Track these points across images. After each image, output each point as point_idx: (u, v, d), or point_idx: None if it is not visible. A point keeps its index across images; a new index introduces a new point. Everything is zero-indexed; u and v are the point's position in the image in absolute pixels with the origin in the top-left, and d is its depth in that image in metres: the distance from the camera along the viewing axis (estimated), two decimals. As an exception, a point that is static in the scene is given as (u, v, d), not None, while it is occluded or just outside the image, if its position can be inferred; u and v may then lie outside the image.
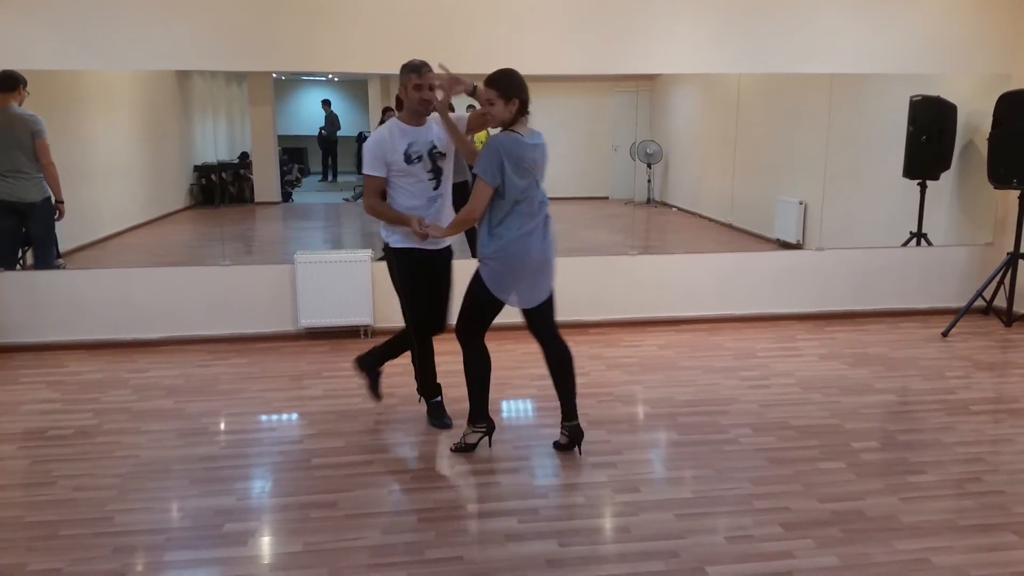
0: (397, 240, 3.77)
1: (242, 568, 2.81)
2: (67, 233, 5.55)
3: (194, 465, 3.62)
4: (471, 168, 3.52)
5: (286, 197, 7.56)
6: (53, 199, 5.31)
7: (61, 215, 5.37)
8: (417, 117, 3.72)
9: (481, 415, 3.71)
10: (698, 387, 4.63)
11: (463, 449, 3.74)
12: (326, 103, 8.07)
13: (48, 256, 5.47)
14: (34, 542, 2.97)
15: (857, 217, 6.45)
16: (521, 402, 4.39)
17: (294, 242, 7.01)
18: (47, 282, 5.38)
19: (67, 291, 5.38)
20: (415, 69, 3.66)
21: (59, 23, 5.08)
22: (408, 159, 3.65)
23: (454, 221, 3.64)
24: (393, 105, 5.83)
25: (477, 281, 3.52)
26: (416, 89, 3.64)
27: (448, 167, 3.80)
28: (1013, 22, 5.96)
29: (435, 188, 3.75)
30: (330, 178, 8.35)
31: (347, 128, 8.05)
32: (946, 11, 5.88)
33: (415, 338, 3.94)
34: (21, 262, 5.49)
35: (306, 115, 8.12)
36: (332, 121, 8.18)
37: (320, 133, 8.16)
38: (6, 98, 5.14)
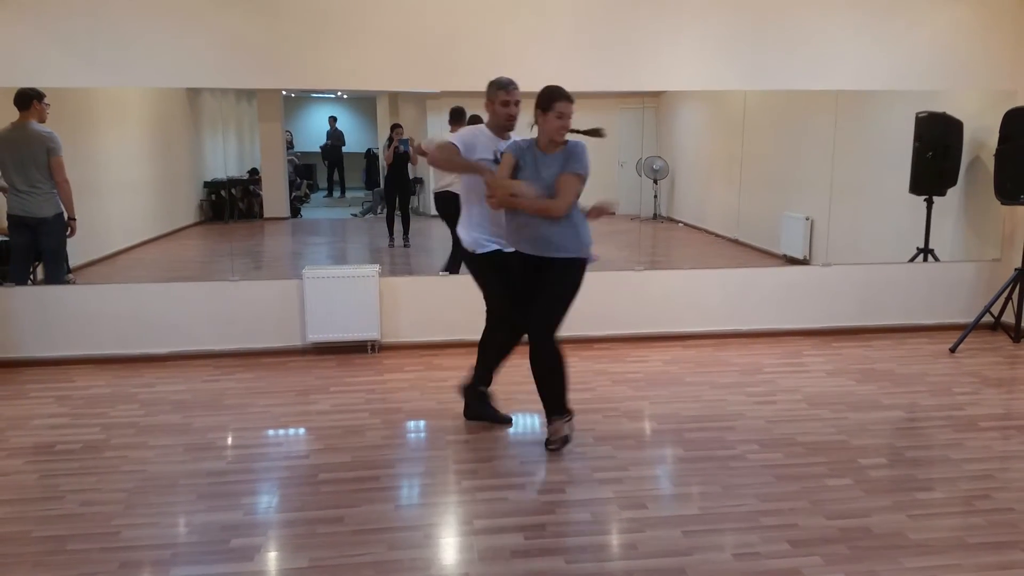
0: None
1: (248, 583, 2.82)
2: (77, 248, 5.59)
3: (201, 480, 3.63)
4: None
5: (295, 213, 7.60)
6: (65, 215, 5.36)
7: (73, 232, 5.41)
8: (501, 131, 3.92)
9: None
10: (704, 403, 4.63)
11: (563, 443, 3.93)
12: (332, 119, 8.11)
13: (58, 271, 5.51)
14: (42, 557, 2.98)
15: (864, 233, 6.45)
16: (528, 417, 4.39)
17: (302, 257, 7.05)
18: (57, 297, 5.41)
19: (76, 306, 5.42)
20: (503, 86, 3.87)
21: (70, 41, 5.14)
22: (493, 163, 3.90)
23: (545, 204, 3.67)
24: (455, 118, 6.20)
25: (579, 278, 3.75)
26: (503, 105, 3.86)
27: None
28: (1018, 38, 5.98)
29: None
30: (336, 194, 8.35)
31: (355, 145, 8.09)
32: (951, 28, 5.90)
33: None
34: (32, 277, 5.53)
35: (315, 132, 8.16)
36: (337, 137, 8.20)
37: (324, 147, 8.15)
38: (23, 116, 5.21)
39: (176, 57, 5.25)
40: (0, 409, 4.58)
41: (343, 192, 8.36)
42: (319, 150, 8.24)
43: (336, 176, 8.35)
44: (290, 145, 7.93)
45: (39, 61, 5.13)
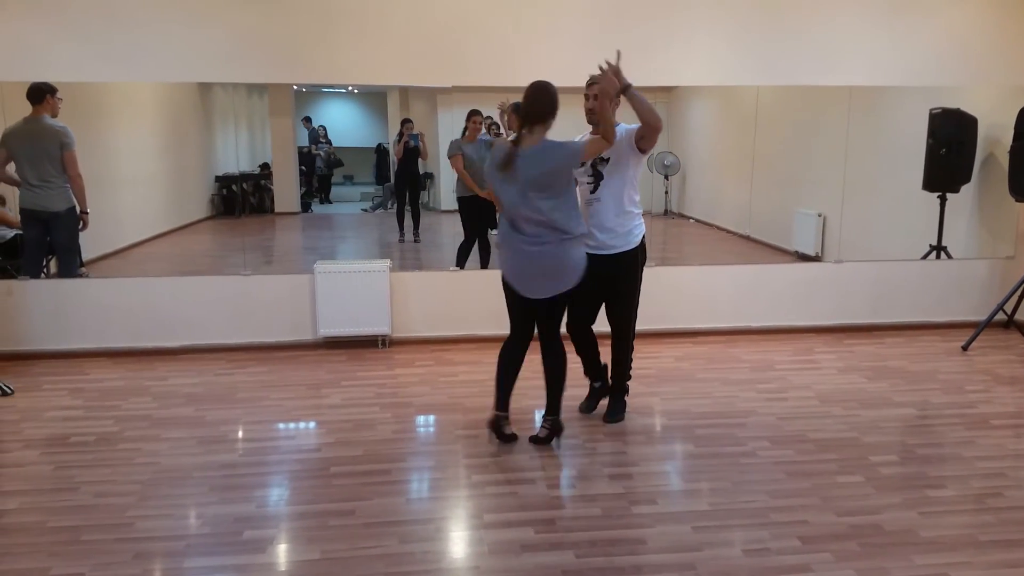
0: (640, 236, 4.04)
1: (261, 575, 2.83)
2: (90, 242, 5.63)
3: (214, 472, 3.66)
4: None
5: (305, 207, 7.62)
6: (77, 209, 5.39)
7: (85, 225, 5.44)
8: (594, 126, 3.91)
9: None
10: (715, 399, 4.62)
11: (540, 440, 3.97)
12: (306, 120, 7.88)
13: (71, 265, 5.55)
14: (57, 547, 3.01)
15: (876, 230, 6.42)
16: (537, 413, 4.39)
17: (313, 252, 7.07)
18: (70, 290, 5.45)
19: (90, 300, 5.45)
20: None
21: (84, 36, 5.17)
22: None
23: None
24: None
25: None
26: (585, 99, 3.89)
27: (611, 174, 3.93)
28: (1034, 34, 5.93)
29: (591, 192, 3.99)
30: (321, 198, 8.12)
31: (366, 140, 8.11)
32: (965, 23, 5.85)
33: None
34: (45, 271, 5.57)
35: (326, 126, 8.18)
36: (316, 138, 7.94)
37: (302, 152, 7.85)
38: (36, 110, 5.23)
39: (188, 52, 5.27)
40: (15, 401, 4.62)
41: (327, 197, 8.14)
42: (341, 145, 8.06)
43: (315, 181, 8.13)
44: (322, 139, 7.87)
45: (52, 55, 5.16)
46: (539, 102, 3.59)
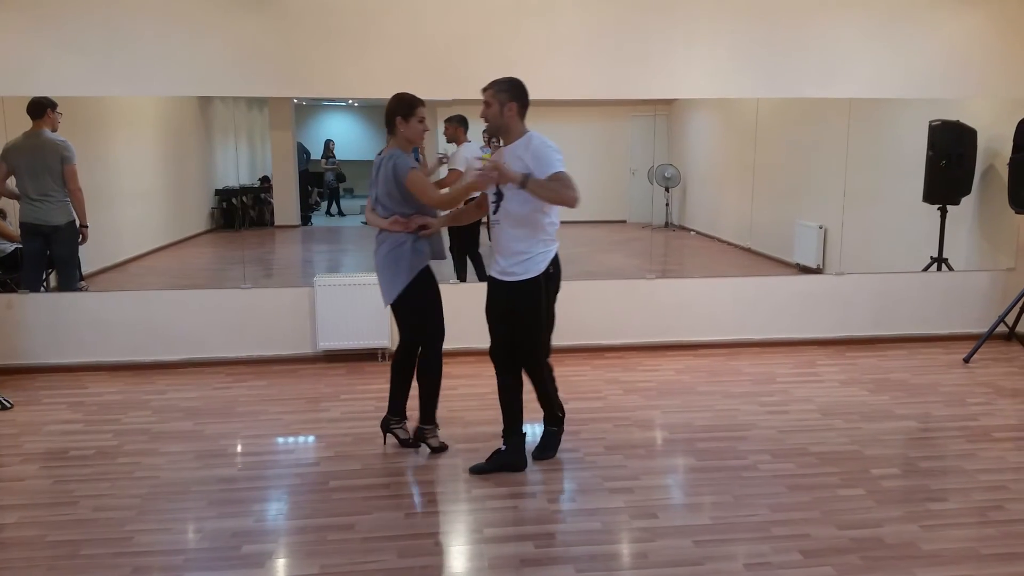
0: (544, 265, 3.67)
1: (259, 590, 2.82)
2: (90, 256, 5.64)
3: (212, 487, 3.64)
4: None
5: (305, 221, 7.64)
6: (77, 223, 5.40)
7: (84, 239, 5.44)
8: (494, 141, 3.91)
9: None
10: (716, 412, 4.61)
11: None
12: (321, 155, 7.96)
13: (71, 278, 5.55)
14: (56, 561, 3.00)
15: (877, 242, 6.42)
16: (539, 427, 4.37)
17: (313, 265, 7.07)
18: (70, 304, 5.45)
19: (89, 313, 5.45)
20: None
21: (84, 50, 5.19)
22: None
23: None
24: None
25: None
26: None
27: (512, 196, 3.59)
28: (1032, 47, 5.95)
29: (493, 212, 3.71)
30: (334, 210, 8.14)
31: (366, 153, 8.14)
32: (965, 35, 5.87)
33: (541, 362, 3.84)
34: (45, 284, 5.57)
35: (325, 139, 8.20)
36: (301, 153, 7.88)
37: (302, 172, 7.79)
38: (37, 124, 5.25)
39: (188, 66, 5.29)
40: (14, 415, 4.61)
41: (339, 210, 8.20)
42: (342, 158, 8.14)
43: (314, 192, 8.17)
44: (331, 154, 7.91)
45: (53, 70, 5.18)
46: (387, 112, 3.87)
